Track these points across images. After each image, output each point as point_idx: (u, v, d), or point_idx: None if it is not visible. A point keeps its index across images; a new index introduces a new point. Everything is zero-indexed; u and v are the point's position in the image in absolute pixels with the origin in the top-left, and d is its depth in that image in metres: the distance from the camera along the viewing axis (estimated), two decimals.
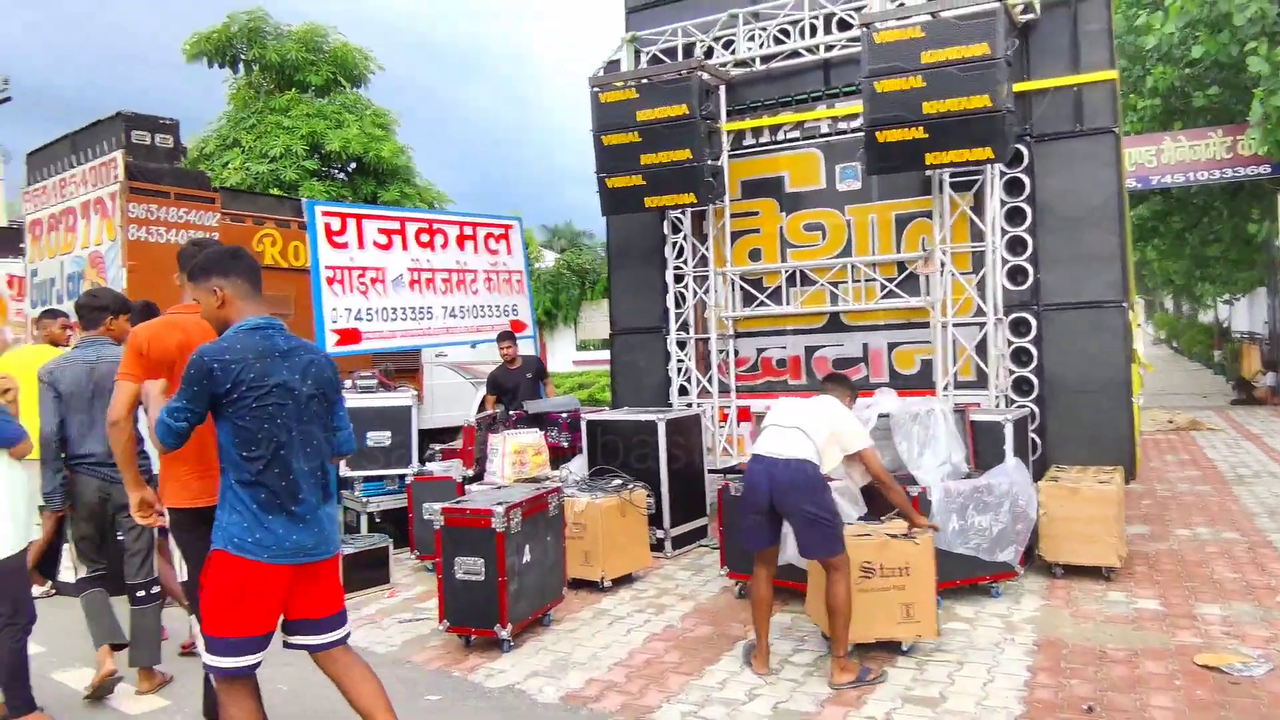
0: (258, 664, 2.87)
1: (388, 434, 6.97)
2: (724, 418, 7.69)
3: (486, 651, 4.75)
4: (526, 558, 4.87)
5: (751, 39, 7.58)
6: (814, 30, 7.26)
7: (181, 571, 3.45)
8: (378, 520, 6.84)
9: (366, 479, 6.97)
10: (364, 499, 6.85)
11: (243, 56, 14.72)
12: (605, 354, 22.14)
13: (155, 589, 4.30)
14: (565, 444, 7.14)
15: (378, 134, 14.55)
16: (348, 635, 3.07)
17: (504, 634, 4.67)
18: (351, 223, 8.07)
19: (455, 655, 4.73)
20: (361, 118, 14.58)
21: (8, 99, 18.92)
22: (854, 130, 7.14)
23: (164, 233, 8.66)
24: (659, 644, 4.77)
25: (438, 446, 7.58)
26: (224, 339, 2.88)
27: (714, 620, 5.13)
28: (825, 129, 7.42)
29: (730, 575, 5.58)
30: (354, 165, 14.78)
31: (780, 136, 7.66)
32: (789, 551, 5.08)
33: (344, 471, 6.91)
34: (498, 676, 4.41)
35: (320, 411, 2.96)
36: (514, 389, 8.02)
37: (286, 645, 2.98)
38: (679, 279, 7.92)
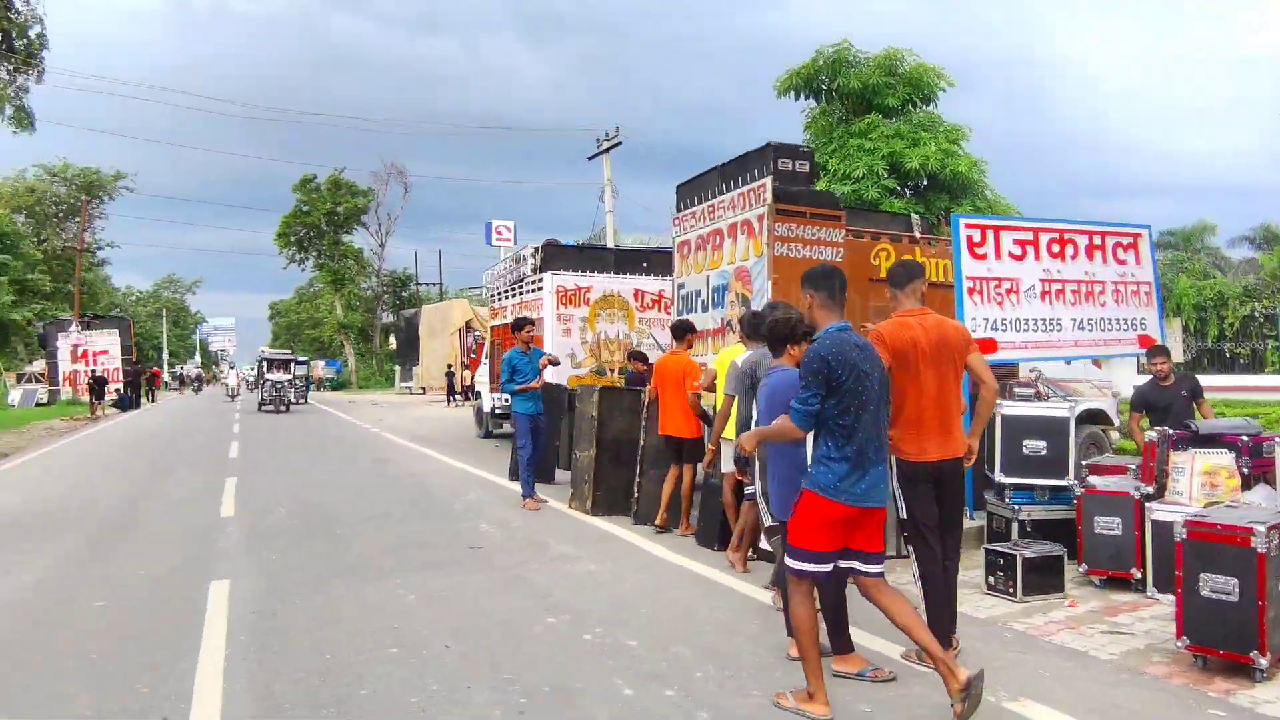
0: (825, 573, 3.90)
1: (1043, 444, 6.94)
2: None
3: (1232, 677, 4.48)
4: None
5: None
6: None
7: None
8: (1027, 529, 6.86)
9: (1016, 487, 7.02)
10: (1014, 506, 6.91)
11: (824, 86, 15.87)
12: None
13: None
14: (1245, 469, 6.49)
15: (952, 150, 14.70)
16: (883, 573, 3.97)
17: (1262, 662, 4.38)
18: (990, 234, 8.24)
19: (1193, 675, 4.55)
20: (936, 135, 14.84)
21: (619, 144, 22.89)
22: None
23: (801, 249, 9.63)
24: None
25: (1084, 461, 7.39)
26: (826, 339, 3.88)
27: None
28: None
29: None
30: (926, 181, 15.10)
31: None
32: None
33: (996, 476, 7.05)
34: (1264, 706, 4.14)
35: (882, 394, 3.91)
36: (1166, 407, 7.53)
37: (837, 568, 3.94)
38: None
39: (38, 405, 37.33)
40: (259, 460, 14.41)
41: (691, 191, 11.60)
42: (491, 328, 18.30)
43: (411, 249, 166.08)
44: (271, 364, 30.89)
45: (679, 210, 11.93)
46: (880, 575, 3.95)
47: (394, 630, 5.03)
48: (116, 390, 30.36)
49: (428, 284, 58.75)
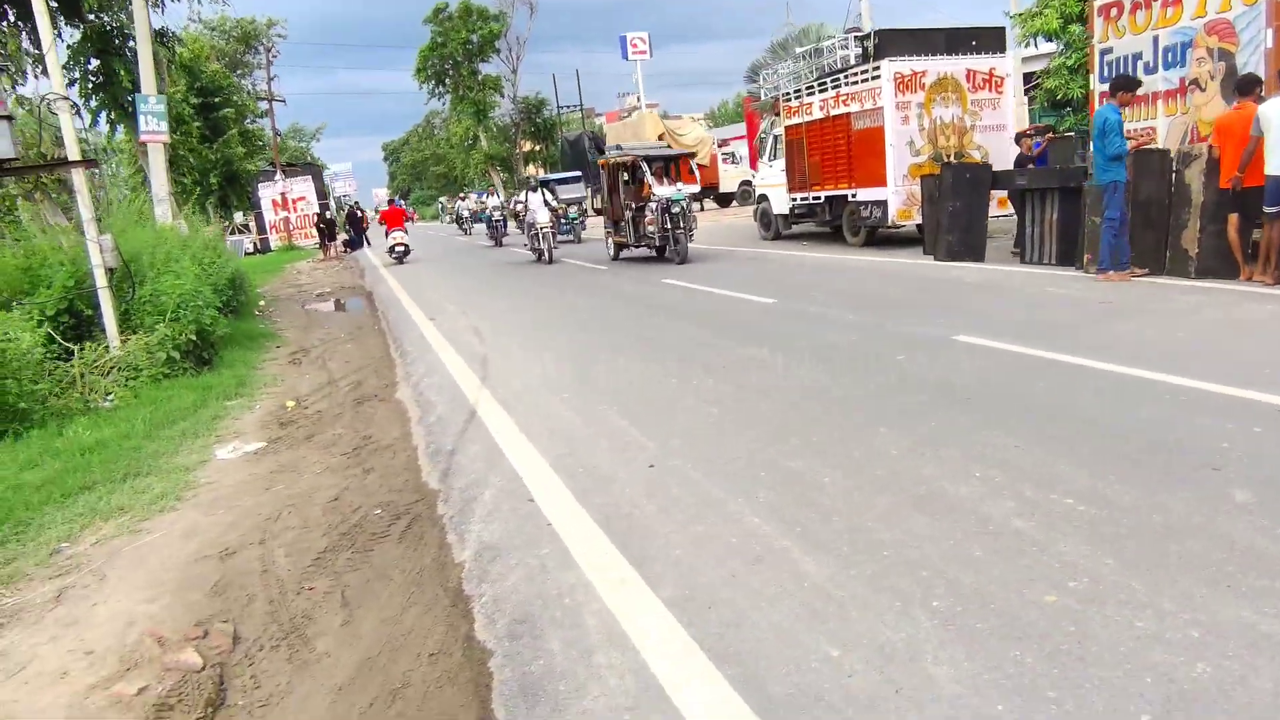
0: None
1: None
2: None
3: None
4: None
5: None
6: None
7: None
8: None
9: None
10: None
11: None
12: None
13: None
14: None
15: None
16: None
17: None
18: None
19: None
20: None
21: None
22: None
23: None
24: None
25: None
26: None
27: None
28: None
29: None
30: None
31: None
32: None
33: None
34: None
35: None
36: None
37: None
38: None
39: (247, 255, 39.28)
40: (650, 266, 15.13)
41: None
42: (787, 127, 18.19)
43: (535, 77, 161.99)
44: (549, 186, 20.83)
45: None
46: None
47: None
48: (347, 232, 31.65)
49: (569, 106, 58.03)
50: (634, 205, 17.06)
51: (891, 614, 2.84)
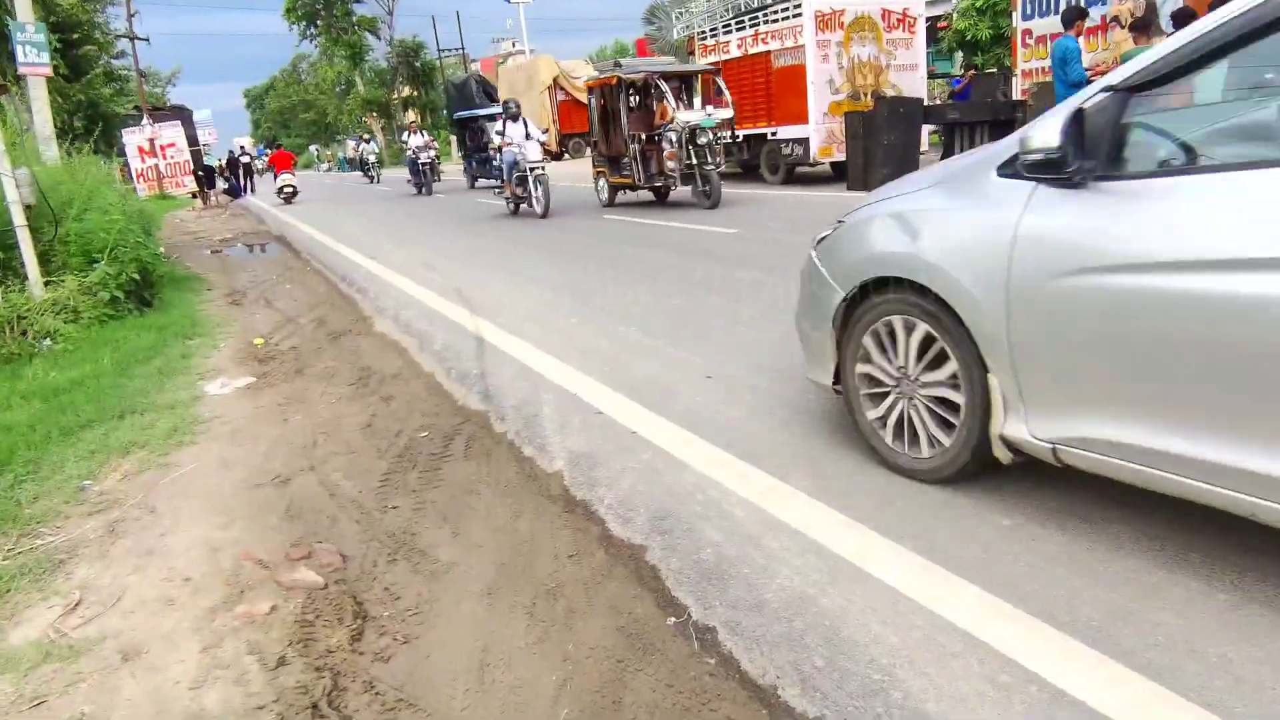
0: None
1: None
2: None
3: None
4: None
5: None
6: None
7: None
8: None
9: None
10: None
11: None
12: None
13: None
14: None
15: None
16: None
17: None
18: None
19: None
20: None
21: None
22: None
23: None
24: None
25: None
26: None
27: None
28: None
29: None
30: None
31: None
32: None
33: None
34: None
35: None
36: None
37: None
38: None
39: None
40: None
41: None
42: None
43: (411, 20, 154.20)
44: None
45: None
46: None
47: None
48: (226, 179, 29.90)
49: (450, 50, 56.17)
50: (644, 136, 13.70)
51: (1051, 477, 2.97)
